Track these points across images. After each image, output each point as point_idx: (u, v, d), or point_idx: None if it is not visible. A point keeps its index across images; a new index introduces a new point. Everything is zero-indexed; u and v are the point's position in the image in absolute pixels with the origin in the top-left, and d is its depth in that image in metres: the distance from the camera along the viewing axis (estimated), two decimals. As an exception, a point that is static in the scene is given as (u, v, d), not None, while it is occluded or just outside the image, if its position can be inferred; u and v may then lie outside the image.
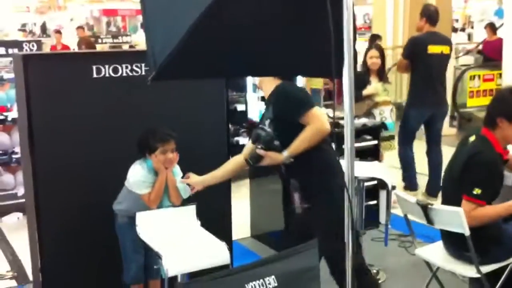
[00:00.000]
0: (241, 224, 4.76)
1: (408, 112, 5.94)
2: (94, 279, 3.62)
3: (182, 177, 3.40)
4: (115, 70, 3.57)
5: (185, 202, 3.49)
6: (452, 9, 12.90)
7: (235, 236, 4.25)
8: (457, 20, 22.34)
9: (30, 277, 4.05)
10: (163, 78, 2.00)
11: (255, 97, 5.61)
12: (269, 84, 3.14)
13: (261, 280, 2.20)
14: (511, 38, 5.80)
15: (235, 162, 3.33)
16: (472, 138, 3.17)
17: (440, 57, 5.76)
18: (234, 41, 1.98)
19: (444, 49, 5.78)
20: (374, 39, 9.15)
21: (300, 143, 2.96)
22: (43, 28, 21.65)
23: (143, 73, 3.62)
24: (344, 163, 2.10)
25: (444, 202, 3.22)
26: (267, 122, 3.12)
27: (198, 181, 3.34)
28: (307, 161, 3.01)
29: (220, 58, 2.04)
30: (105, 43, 12.44)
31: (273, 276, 2.22)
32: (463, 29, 14.09)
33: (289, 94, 3.09)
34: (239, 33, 1.99)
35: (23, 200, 4.46)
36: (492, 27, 10.23)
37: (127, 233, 3.39)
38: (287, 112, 3.02)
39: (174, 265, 2.91)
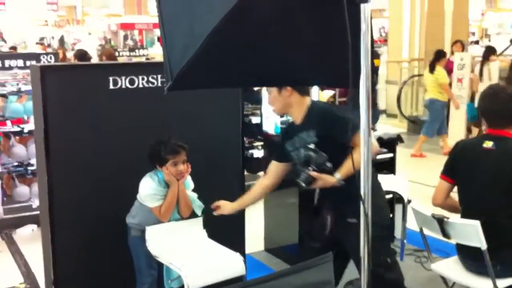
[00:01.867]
0: (254, 237, 4.72)
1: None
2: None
3: (212, 210, 3.34)
4: (132, 82, 3.57)
5: (193, 215, 3.46)
6: (469, 22, 12.84)
7: (249, 249, 4.21)
8: (473, 33, 22.22)
9: (44, 289, 4.05)
10: (179, 87, 1.99)
11: (270, 110, 5.58)
12: (299, 106, 3.13)
13: (275, 294, 2.17)
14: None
15: (262, 185, 3.32)
16: (490, 144, 3.10)
17: (378, 68, 7.50)
18: (251, 51, 1.97)
19: (378, 61, 7.32)
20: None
21: (352, 165, 2.71)
22: (61, 42, 21.95)
23: (159, 84, 3.62)
24: (361, 176, 2.07)
25: (470, 216, 3.13)
26: (311, 145, 3.04)
27: (228, 208, 3.33)
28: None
29: (237, 68, 2.04)
30: (122, 56, 12.55)
31: (286, 290, 2.19)
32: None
33: (336, 116, 3.04)
34: (256, 43, 1.98)
35: (38, 212, 4.48)
36: (462, 45, 10.11)
37: (141, 247, 3.34)
38: (336, 133, 2.94)
39: (194, 278, 2.89)
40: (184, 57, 1.92)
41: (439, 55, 8.42)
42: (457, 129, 8.87)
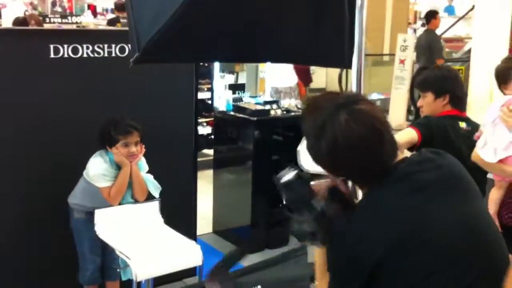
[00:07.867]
0: (202, 218, 4.51)
1: None
2: (47, 279, 3.32)
3: None
4: (75, 51, 3.26)
5: (148, 198, 3.22)
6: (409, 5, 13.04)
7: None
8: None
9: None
10: (147, 60, 1.76)
11: (222, 85, 5.33)
12: None
13: (247, 290, 2.00)
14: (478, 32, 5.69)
15: None
16: (463, 124, 3.00)
17: None
18: (231, 22, 1.75)
19: None
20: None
21: None
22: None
23: (106, 54, 3.35)
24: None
25: None
26: None
27: None
28: None
29: (213, 41, 1.81)
30: (54, 23, 11.75)
31: (259, 286, 2.02)
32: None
33: None
34: (235, 14, 1.77)
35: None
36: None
37: (84, 231, 3.11)
38: None
39: (143, 268, 2.66)
40: (154, 26, 1.69)
41: None
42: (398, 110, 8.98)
